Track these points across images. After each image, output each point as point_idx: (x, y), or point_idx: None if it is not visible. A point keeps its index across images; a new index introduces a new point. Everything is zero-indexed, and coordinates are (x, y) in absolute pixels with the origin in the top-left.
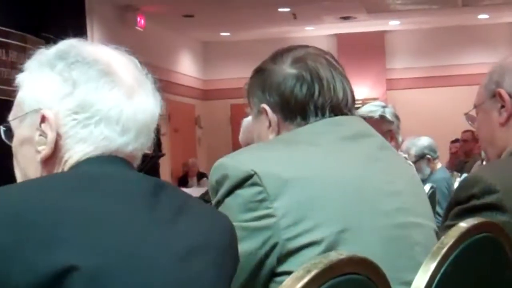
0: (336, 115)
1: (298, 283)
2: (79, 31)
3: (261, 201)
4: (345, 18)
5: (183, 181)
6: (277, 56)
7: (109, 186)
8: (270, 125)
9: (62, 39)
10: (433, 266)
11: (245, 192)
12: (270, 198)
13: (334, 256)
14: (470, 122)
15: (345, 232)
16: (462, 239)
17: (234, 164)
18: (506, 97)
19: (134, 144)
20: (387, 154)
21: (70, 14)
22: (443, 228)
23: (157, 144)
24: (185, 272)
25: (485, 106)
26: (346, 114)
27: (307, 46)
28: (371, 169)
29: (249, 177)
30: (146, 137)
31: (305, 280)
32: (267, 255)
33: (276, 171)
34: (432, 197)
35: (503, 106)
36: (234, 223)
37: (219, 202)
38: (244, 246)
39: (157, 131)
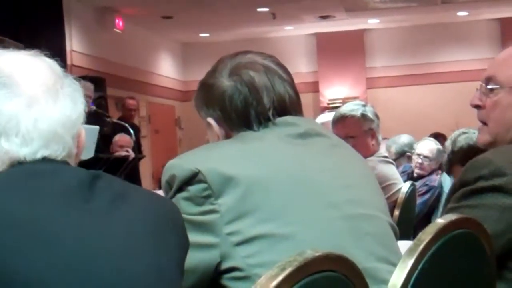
0: (282, 116)
1: (272, 281)
2: (58, 34)
3: (207, 197)
4: (324, 17)
5: None
6: (217, 68)
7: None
8: (218, 137)
9: (41, 41)
10: (410, 263)
11: (193, 188)
12: (214, 194)
13: (309, 253)
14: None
15: (290, 225)
16: (439, 236)
17: (180, 163)
18: None
19: (44, 151)
20: (340, 151)
21: (48, 17)
22: (446, 210)
23: (137, 146)
24: (123, 273)
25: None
26: (294, 115)
27: (246, 53)
28: (319, 165)
29: (194, 175)
30: (60, 143)
31: (280, 278)
32: (208, 248)
33: (220, 168)
34: (411, 194)
35: None
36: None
37: (171, 198)
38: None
39: (137, 133)
